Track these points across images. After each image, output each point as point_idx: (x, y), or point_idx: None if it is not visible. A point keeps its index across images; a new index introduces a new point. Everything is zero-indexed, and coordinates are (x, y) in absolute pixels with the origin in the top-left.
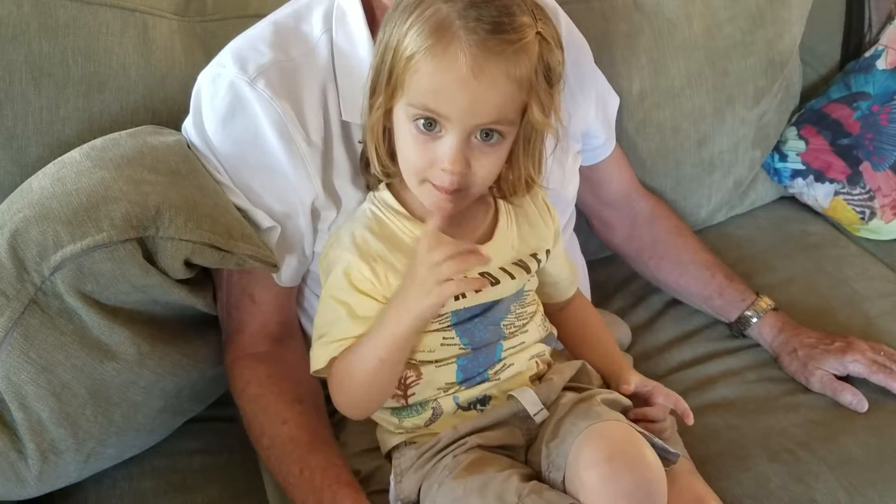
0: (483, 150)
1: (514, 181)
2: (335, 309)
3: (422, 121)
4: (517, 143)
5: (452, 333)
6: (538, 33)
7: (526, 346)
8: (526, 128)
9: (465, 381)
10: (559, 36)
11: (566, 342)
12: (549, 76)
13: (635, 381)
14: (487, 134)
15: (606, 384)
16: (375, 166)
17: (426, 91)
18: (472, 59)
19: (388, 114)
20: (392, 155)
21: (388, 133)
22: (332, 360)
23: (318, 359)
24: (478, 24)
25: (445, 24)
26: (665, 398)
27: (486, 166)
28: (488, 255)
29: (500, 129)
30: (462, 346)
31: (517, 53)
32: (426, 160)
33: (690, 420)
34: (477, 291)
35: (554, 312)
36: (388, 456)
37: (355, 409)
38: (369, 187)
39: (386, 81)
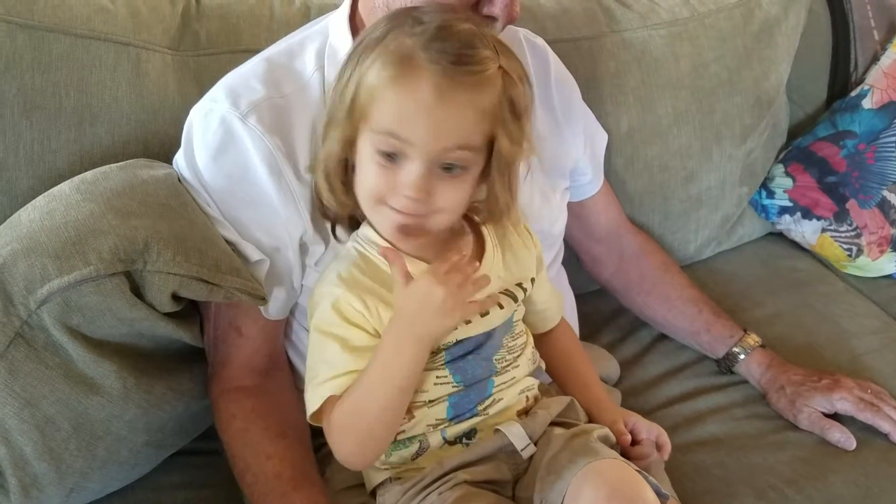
0: (445, 182)
1: (493, 210)
2: (326, 344)
3: (385, 151)
4: (493, 174)
5: (446, 371)
6: (500, 67)
7: (516, 381)
8: (497, 159)
9: (456, 417)
10: (524, 71)
11: (548, 370)
12: (514, 109)
13: (621, 425)
14: (449, 167)
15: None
16: (327, 197)
17: (390, 117)
18: (435, 87)
19: (348, 145)
20: (346, 186)
21: (343, 165)
22: (330, 402)
23: (312, 400)
24: (441, 55)
25: (409, 55)
26: (648, 432)
27: (448, 198)
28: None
29: (464, 159)
30: (455, 383)
31: (480, 84)
32: (387, 186)
33: (665, 455)
34: (483, 315)
35: (537, 340)
36: (374, 492)
37: (362, 455)
38: (333, 228)
39: (347, 112)
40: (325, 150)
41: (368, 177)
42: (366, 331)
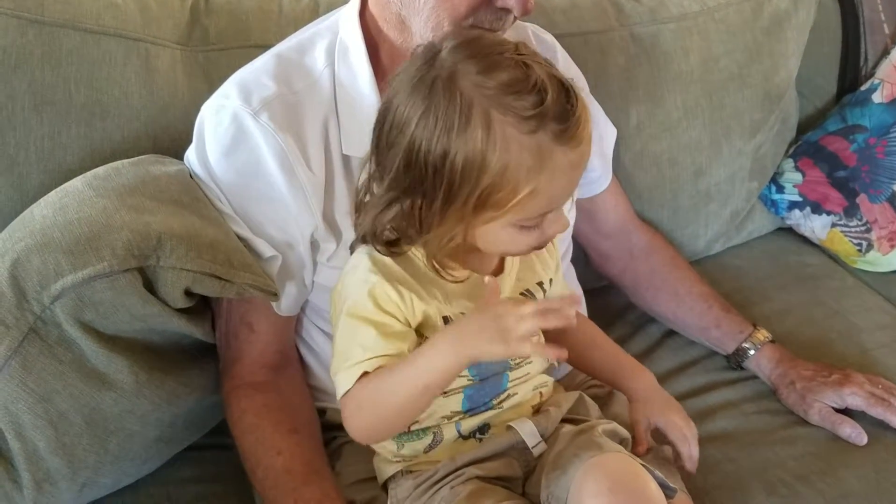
0: None
1: None
2: (361, 329)
3: (532, 225)
4: None
5: None
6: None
7: (531, 377)
8: None
9: (470, 409)
10: None
11: (572, 358)
12: None
13: (645, 423)
14: None
15: (616, 384)
16: (432, 263)
17: (545, 202)
18: (577, 159)
19: (469, 229)
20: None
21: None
22: (361, 381)
23: (345, 381)
24: (560, 127)
25: (545, 147)
26: (678, 440)
27: None
28: (570, 315)
29: None
30: (470, 376)
31: (588, 132)
32: (535, 242)
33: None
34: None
35: (556, 334)
36: (385, 486)
37: (372, 434)
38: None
39: (474, 207)
40: (441, 230)
41: (514, 245)
42: (398, 320)
